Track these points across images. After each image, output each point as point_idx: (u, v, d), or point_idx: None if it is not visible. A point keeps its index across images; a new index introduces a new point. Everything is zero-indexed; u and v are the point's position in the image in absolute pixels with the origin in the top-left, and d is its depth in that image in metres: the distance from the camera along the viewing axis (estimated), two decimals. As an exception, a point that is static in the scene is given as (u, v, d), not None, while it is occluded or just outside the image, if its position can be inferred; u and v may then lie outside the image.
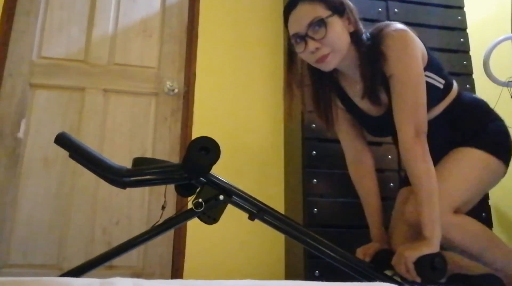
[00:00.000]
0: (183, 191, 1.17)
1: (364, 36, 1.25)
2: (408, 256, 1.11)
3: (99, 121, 2.13)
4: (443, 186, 1.19)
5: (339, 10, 1.21)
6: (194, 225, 1.44)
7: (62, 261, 1.94)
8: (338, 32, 1.20)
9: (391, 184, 1.71)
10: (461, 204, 1.25)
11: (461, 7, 2.05)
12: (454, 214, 1.22)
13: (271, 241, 2.04)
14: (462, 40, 1.99)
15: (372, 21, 1.88)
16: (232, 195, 1.11)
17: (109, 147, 2.10)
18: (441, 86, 1.30)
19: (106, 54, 2.23)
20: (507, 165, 1.31)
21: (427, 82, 1.24)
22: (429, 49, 1.32)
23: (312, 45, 1.19)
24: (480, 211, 1.71)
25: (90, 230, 1.99)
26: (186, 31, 2.33)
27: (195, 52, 2.26)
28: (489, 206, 1.78)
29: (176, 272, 1.97)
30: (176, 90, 2.21)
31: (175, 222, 1.13)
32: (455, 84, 1.37)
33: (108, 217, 2.02)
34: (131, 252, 1.25)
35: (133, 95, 2.20)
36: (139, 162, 1.13)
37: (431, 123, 1.25)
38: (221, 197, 1.09)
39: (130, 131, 2.15)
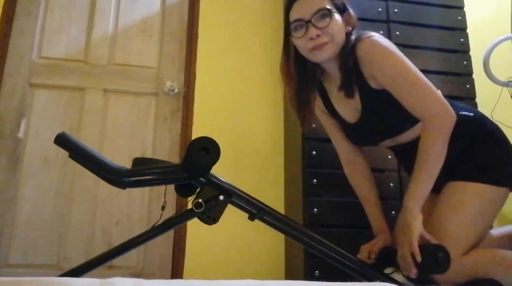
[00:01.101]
0: (183, 191, 1.17)
1: (352, 38, 1.28)
2: (411, 235, 1.11)
3: (99, 121, 2.13)
4: (449, 236, 1.17)
5: (342, 9, 1.28)
6: (194, 225, 1.44)
7: (62, 261, 1.94)
8: (339, 26, 1.25)
9: (391, 184, 1.71)
10: (471, 246, 1.20)
11: (461, 7, 2.05)
12: (463, 256, 1.18)
13: (271, 241, 2.04)
14: (462, 40, 1.99)
15: (372, 21, 1.90)
16: (232, 195, 1.11)
17: (109, 147, 2.10)
18: None
19: (106, 54, 2.23)
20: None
21: None
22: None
23: (313, 31, 1.22)
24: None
25: (90, 230, 1.99)
26: (186, 31, 2.33)
27: (195, 52, 2.26)
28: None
29: (176, 272, 1.97)
30: (176, 90, 2.21)
31: (175, 222, 1.13)
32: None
33: (108, 217, 2.02)
34: (131, 252, 1.26)
35: (133, 95, 2.20)
36: (139, 162, 1.12)
37: (411, 146, 1.23)
38: (221, 197, 1.09)
39: (130, 131, 2.15)
